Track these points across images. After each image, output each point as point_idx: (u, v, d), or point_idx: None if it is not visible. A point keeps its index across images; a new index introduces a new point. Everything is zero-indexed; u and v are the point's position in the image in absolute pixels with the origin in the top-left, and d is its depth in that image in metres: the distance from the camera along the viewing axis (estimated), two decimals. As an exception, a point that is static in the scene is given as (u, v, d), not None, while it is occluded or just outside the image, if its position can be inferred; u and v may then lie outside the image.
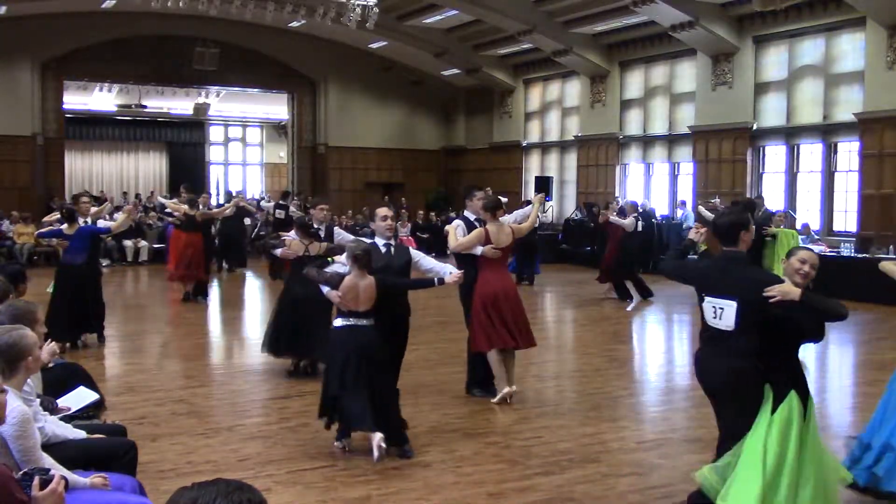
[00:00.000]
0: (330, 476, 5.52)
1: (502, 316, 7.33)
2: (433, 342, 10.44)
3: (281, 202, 19.66)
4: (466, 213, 7.85)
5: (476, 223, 7.63)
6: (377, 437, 5.69)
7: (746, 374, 4.39)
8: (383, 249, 6.45)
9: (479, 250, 7.33)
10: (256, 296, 15.82)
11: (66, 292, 9.51)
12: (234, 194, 22.25)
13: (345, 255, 6.15)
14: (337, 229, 8.94)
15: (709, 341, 4.62)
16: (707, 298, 4.56)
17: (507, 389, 7.42)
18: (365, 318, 5.94)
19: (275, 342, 8.44)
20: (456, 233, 7.50)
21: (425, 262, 6.56)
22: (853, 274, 13.81)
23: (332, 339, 6.00)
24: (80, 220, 9.74)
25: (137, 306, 14.18)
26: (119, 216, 10.84)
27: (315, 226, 8.57)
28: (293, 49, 24.91)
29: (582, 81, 22.84)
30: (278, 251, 8.30)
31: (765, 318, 4.37)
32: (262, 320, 13.01)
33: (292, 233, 8.63)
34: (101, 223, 10.53)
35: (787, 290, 4.27)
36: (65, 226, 9.72)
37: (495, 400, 7.42)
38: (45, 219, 12.70)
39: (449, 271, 6.34)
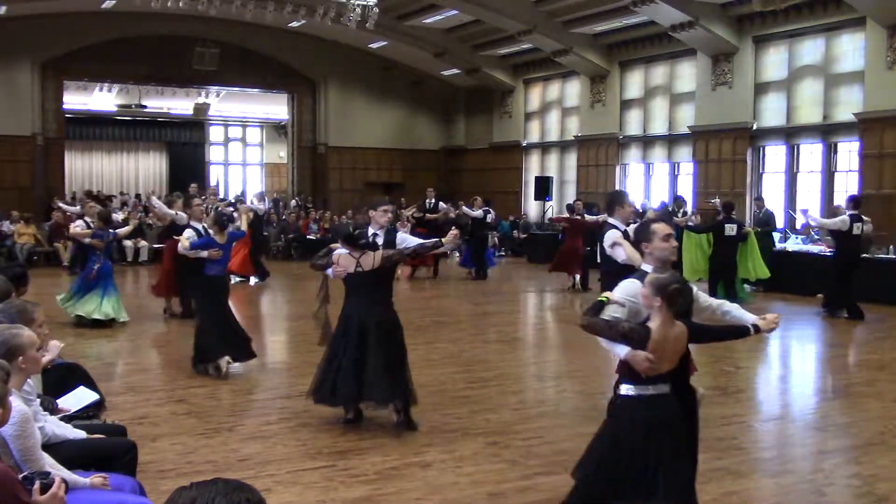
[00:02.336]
0: (330, 476, 5.51)
1: None
2: (433, 342, 10.43)
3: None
4: (614, 222, 6.97)
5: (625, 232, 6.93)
6: None
7: None
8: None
9: None
10: (258, 295, 15.80)
11: (220, 309, 8.66)
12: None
13: (622, 290, 4.35)
14: (401, 234, 7.28)
15: None
16: None
17: None
18: (665, 384, 4.14)
19: (328, 389, 6.60)
20: (626, 245, 6.61)
21: (703, 297, 4.80)
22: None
23: (622, 415, 4.19)
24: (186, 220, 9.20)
25: (137, 306, 14.17)
26: (242, 217, 10.54)
27: (374, 231, 6.98)
28: (293, 49, 24.93)
29: (582, 81, 22.84)
30: (330, 271, 6.72)
31: None
32: (263, 320, 13.06)
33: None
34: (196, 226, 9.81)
35: None
36: (187, 228, 9.03)
37: None
38: (73, 232, 11.90)
39: (752, 316, 4.54)
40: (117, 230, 11.83)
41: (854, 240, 12.57)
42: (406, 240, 7.09)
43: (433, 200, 18.10)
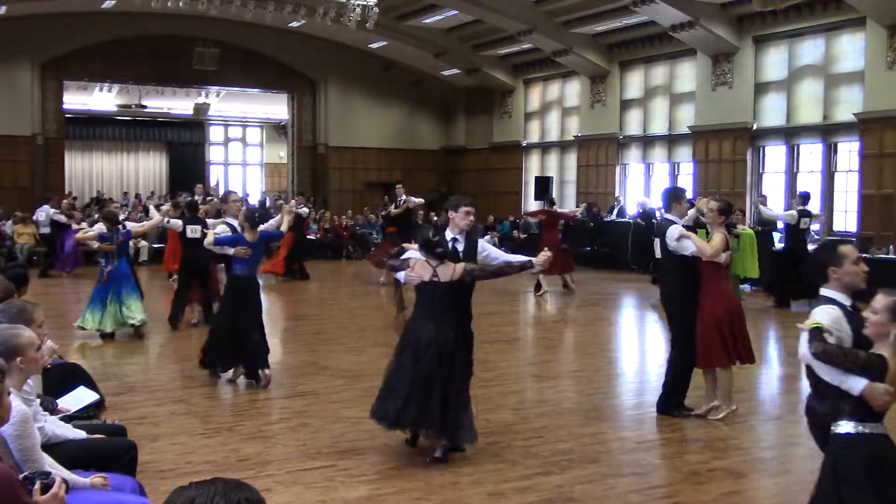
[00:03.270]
0: (330, 476, 5.51)
1: (742, 330, 6.85)
2: (433, 342, 10.41)
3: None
4: (672, 218, 6.99)
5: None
6: None
7: None
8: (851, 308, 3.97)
9: (723, 257, 6.77)
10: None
11: (241, 313, 8.03)
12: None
13: (825, 317, 3.82)
14: (483, 242, 6.54)
15: None
16: None
17: (734, 406, 7.02)
18: (882, 422, 3.69)
19: (384, 408, 5.84)
20: (693, 236, 6.76)
21: None
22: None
23: (850, 457, 3.63)
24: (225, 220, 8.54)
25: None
26: (284, 218, 9.11)
27: (454, 236, 6.26)
28: (293, 49, 24.93)
29: (582, 81, 22.84)
30: (401, 275, 6.01)
31: None
32: (264, 319, 12.99)
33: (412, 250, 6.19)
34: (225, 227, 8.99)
35: None
36: (214, 226, 8.25)
37: (719, 417, 6.94)
38: (80, 235, 11.21)
39: None
40: (131, 228, 10.93)
41: (801, 233, 13.81)
42: (487, 249, 6.36)
43: (403, 198, 16.47)
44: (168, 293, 12.74)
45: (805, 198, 13.85)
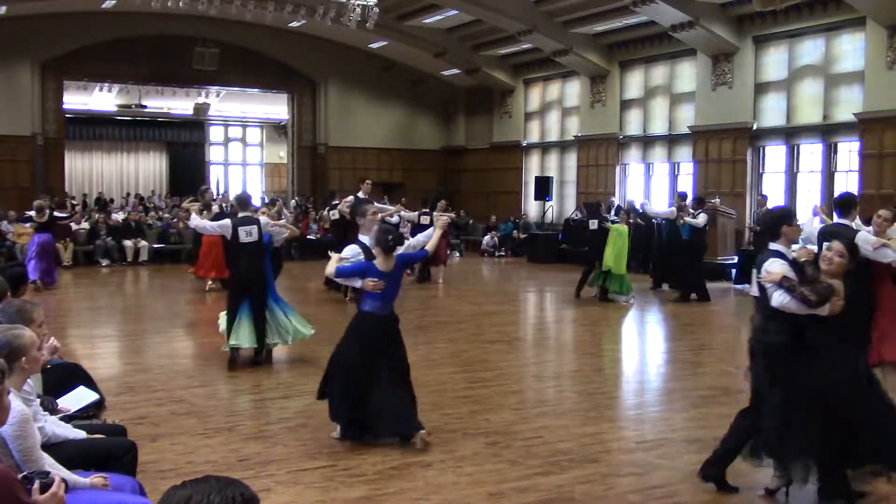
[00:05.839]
0: (330, 476, 5.52)
1: None
2: (433, 342, 10.44)
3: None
4: (855, 224, 7.05)
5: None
6: None
7: None
8: None
9: None
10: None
11: (363, 361, 6.17)
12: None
13: None
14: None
15: None
16: None
17: None
18: None
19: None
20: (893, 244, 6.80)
21: None
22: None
23: None
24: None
25: (137, 306, 14.20)
26: (436, 233, 6.75)
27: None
28: (293, 49, 24.94)
29: (582, 81, 22.84)
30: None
31: None
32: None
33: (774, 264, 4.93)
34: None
35: None
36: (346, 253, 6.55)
37: None
38: (187, 205, 10.51)
39: None
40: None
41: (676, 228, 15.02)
42: None
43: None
44: (201, 302, 11.12)
45: (682, 197, 15.58)
